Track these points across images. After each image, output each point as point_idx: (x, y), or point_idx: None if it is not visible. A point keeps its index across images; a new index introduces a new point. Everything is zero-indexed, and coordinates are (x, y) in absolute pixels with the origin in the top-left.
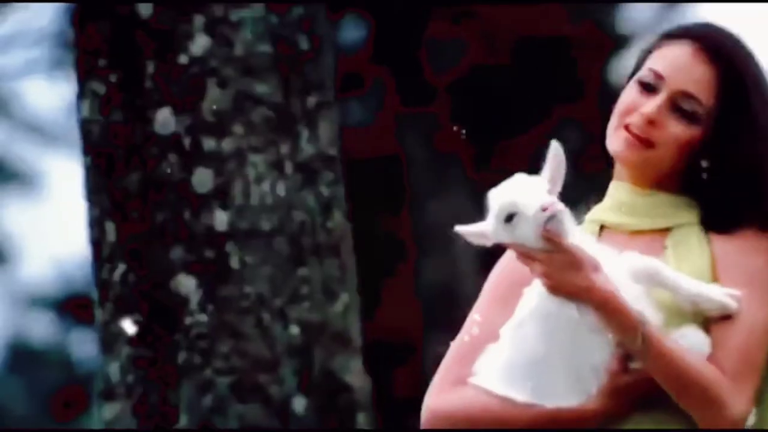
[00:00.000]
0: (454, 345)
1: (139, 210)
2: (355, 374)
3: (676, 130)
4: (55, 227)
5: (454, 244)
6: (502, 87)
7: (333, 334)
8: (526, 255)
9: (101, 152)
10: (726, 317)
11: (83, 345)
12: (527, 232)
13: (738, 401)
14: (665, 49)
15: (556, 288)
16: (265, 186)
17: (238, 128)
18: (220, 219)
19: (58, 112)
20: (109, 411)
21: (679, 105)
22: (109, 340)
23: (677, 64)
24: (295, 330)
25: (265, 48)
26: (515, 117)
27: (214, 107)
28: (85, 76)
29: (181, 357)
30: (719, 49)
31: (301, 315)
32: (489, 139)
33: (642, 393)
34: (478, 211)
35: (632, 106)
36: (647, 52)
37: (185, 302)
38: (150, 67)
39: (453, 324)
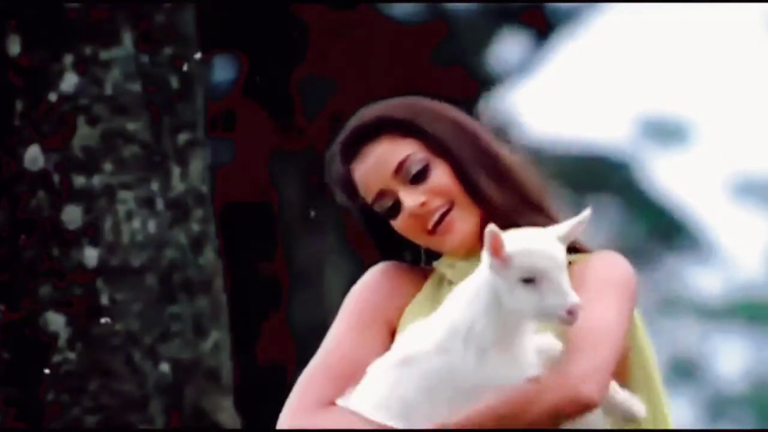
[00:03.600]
0: (314, 366)
1: (7, 246)
2: (225, 413)
3: (434, 183)
4: None
5: (325, 282)
6: None
7: (204, 372)
8: None
9: None
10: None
11: None
12: (534, 303)
13: (577, 362)
14: (357, 180)
15: None
16: (136, 223)
17: (108, 165)
18: (90, 256)
19: None
20: None
21: (410, 175)
22: None
23: (368, 172)
24: (165, 368)
25: (135, 87)
26: None
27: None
28: None
29: (49, 395)
30: (370, 128)
31: (172, 352)
32: None
33: None
34: (348, 251)
35: (411, 227)
36: (355, 200)
37: (54, 339)
38: (19, 105)
39: None
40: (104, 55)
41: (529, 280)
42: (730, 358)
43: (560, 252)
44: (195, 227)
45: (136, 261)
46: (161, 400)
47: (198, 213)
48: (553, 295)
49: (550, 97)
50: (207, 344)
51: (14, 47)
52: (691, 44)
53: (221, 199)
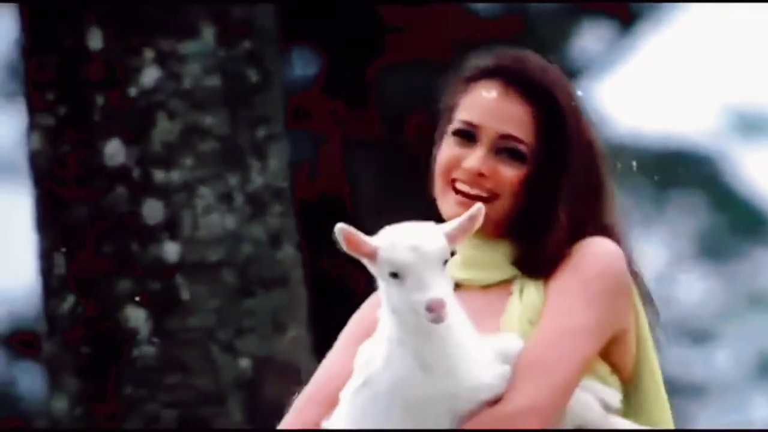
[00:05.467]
0: (306, 389)
1: (88, 242)
2: None
3: (507, 173)
4: (2, 260)
5: None
6: None
7: (282, 367)
8: None
9: (50, 184)
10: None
11: (28, 379)
12: (403, 300)
13: (514, 398)
14: (472, 96)
15: None
16: (214, 217)
17: (187, 160)
18: (169, 250)
19: (7, 144)
20: None
21: (502, 148)
22: (57, 373)
23: (490, 108)
24: (243, 363)
25: (214, 81)
26: None
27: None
28: (34, 108)
29: (128, 390)
30: (529, 84)
31: (250, 348)
32: None
33: None
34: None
35: (453, 162)
36: (452, 104)
37: (134, 334)
38: (99, 100)
39: None
40: (183, 49)
41: (395, 275)
42: None
43: (430, 246)
44: (273, 222)
45: (214, 256)
46: (239, 395)
47: (276, 208)
48: (414, 291)
49: (634, 90)
50: (285, 339)
51: (94, 42)
52: None
53: (302, 193)
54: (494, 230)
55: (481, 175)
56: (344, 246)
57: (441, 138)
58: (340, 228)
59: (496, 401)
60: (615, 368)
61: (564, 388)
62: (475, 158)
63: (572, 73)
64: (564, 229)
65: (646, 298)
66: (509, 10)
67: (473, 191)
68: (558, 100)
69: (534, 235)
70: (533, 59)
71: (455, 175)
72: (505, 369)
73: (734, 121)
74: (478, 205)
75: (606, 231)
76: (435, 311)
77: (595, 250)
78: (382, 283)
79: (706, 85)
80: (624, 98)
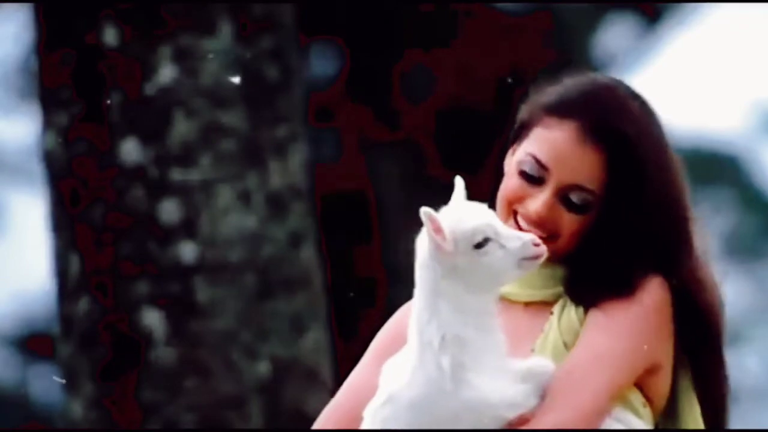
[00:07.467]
0: (329, 405)
1: (103, 242)
2: None
3: (569, 221)
4: (16, 262)
5: None
6: (480, 120)
7: (302, 370)
8: None
9: (65, 184)
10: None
11: (43, 383)
12: (503, 257)
13: (540, 417)
14: (547, 131)
15: None
16: (233, 218)
17: (205, 159)
18: (187, 251)
19: (21, 144)
20: None
21: (568, 197)
22: (73, 376)
23: (562, 153)
24: (263, 366)
25: (233, 79)
26: (491, 146)
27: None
28: (48, 107)
29: (146, 393)
30: (605, 128)
31: (270, 351)
32: (465, 168)
33: None
34: None
35: (517, 198)
36: (528, 124)
37: (150, 336)
38: (115, 98)
39: None
40: (202, 46)
41: (483, 242)
42: None
43: (479, 204)
44: (293, 222)
45: (234, 257)
46: (259, 399)
47: (297, 208)
48: (511, 240)
49: (662, 88)
50: (306, 342)
51: (111, 38)
52: None
53: (322, 193)
54: (551, 260)
55: (541, 219)
56: (430, 229)
57: (511, 151)
58: (426, 211)
59: (522, 420)
60: (649, 401)
61: (591, 410)
62: (539, 203)
63: (600, 69)
64: (629, 265)
65: (719, 333)
66: (537, 8)
67: (533, 230)
68: (635, 147)
69: (595, 266)
70: (616, 94)
71: (517, 208)
72: (529, 387)
73: (764, 119)
74: (458, 179)
75: (687, 267)
76: (540, 244)
77: (641, 284)
78: (461, 267)
79: (735, 83)
80: (651, 96)
